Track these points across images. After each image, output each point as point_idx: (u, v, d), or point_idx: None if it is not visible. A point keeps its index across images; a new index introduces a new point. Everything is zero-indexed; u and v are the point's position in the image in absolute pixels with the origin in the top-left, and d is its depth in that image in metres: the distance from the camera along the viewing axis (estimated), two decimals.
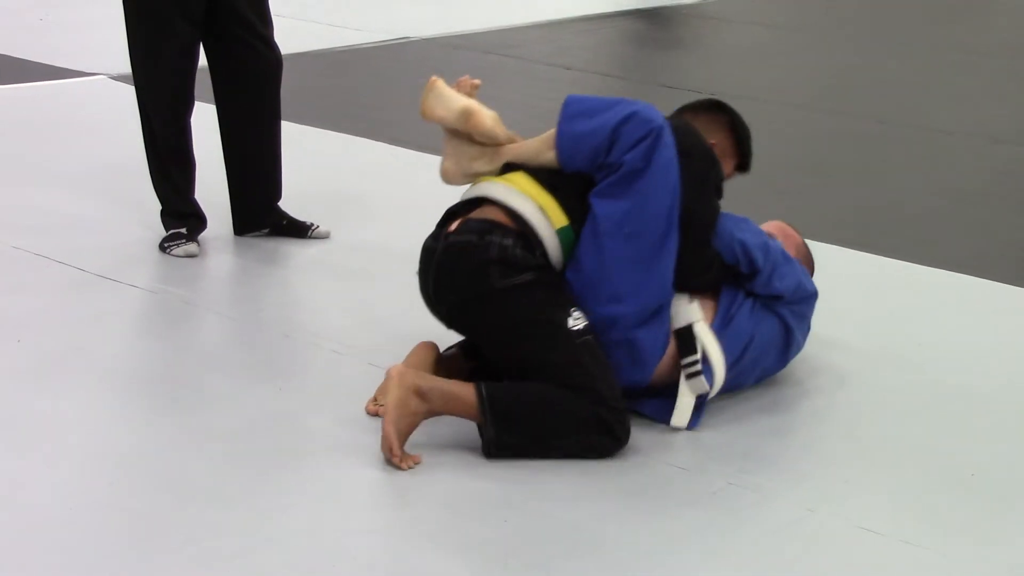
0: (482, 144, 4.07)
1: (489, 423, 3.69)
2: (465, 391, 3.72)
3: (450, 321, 3.96)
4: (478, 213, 3.93)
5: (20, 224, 5.45)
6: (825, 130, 7.58)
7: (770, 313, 4.07)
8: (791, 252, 4.29)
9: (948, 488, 3.67)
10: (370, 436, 3.81)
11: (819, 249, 5.14)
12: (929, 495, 3.63)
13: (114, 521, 3.39)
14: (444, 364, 4.01)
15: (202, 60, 5.19)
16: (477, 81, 4.16)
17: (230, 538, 3.31)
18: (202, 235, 5.28)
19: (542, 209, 3.89)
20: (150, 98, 5.16)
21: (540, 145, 4.00)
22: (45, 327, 4.52)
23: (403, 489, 3.63)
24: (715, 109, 4.28)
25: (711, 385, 3.92)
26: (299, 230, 5.39)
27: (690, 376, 3.90)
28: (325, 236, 5.39)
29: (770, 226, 4.40)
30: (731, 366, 3.97)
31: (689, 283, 3.99)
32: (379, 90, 8.18)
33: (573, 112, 3.97)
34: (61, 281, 4.90)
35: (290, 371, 4.28)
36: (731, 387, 4.03)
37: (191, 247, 5.16)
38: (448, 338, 4.07)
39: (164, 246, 5.19)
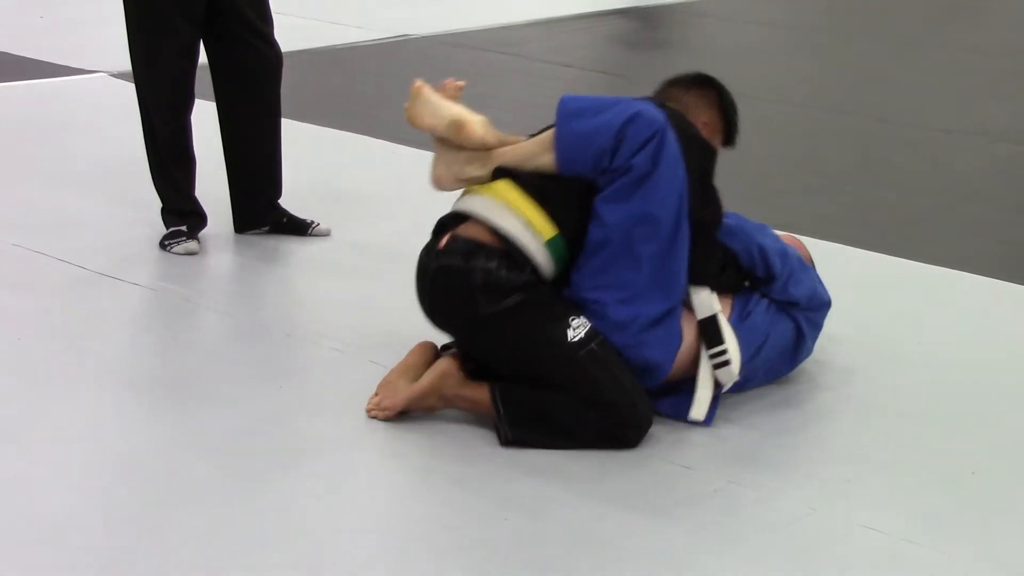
0: (473, 149, 4.03)
1: (506, 428, 3.76)
2: (483, 397, 3.80)
3: (445, 331, 3.98)
4: (464, 230, 3.88)
5: (20, 222, 5.45)
6: (825, 129, 7.58)
7: (786, 317, 4.08)
8: None
9: (949, 487, 3.67)
10: (371, 435, 3.81)
11: (819, 247, 5.14)
12: (930, 494, 3.63)
13: (114, 520, 3.39)
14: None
15: (202, 58, 5.19)
16: (461, 83, 4.07)
17: (230, 538, 3.31)
18: (202, 233, 5.28)
19: (528, 223, 3.82)
20: (150, 96, 5.15)
21: (536, 148, 3.92)
22: (45, 325, 4.52)
23: (403, 489, 3.64)
24: (704, 84, 4.23)
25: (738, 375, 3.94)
26: (299, 228, 5.39)
27: (718, 366, 3.90)
28: (325, 234, 5.39)
29: (784, 236, 4.40)
30: (746, 363, 3.97)
31: (704, 283, 3.99)
32: (379, 88, 8.18)
33: (570, 111, 3.88)
34: (61, 279, 4.90)
35: (290, 369, 4.28)
36: (738, 386, 4.03)
37: (191, 245, 5.16)
38: (446, 337, 4.07)
39: (164, 244, 5.19)
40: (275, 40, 5.25)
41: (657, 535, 3.39)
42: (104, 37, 7.91)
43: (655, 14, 11.13)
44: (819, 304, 4.16)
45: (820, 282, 4.22)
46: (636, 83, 8.25)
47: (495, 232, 3.82)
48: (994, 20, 11.28)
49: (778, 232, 4.42)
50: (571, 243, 3.85)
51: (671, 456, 3.75)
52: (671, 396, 3.93)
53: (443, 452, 3.74)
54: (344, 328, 4.49)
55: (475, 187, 3.97)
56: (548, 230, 3.83)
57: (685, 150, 3.85)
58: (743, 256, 4.04)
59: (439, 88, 4.07)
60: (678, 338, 3.89)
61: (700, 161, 3.94)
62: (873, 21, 11.02)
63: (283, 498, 3.50)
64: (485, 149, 3.98)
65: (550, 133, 3.89)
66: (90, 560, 3.21)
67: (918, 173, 6.71)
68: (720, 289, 4.03)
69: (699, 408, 3.89)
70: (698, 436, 3.87)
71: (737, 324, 3.98)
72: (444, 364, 3.86)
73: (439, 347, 4.07)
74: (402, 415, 3.87)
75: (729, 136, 4.22)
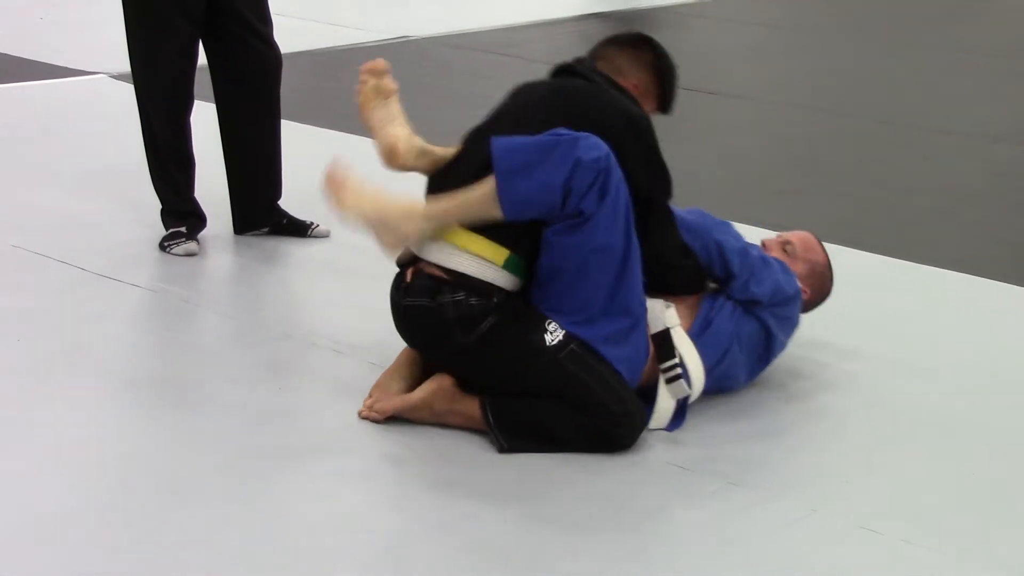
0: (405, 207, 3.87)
1: (500, 439, 3.76)
2: (474, 410, 3.80)
3: (428, 360, 3.97)
4: (425, 266, 3.87)
5: (20, 223, 5.45)
6: (824, 130, 7.58)
7: (752, 317, 4.05)
8: (802, 269, 4.24)
9: (948, 488, 3.67)
10: (369, 436, 3.81)
11: None
12: (929, 495, 3.63)
13: (113, 521, 3.39)
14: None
15: (202, 59, 5.19)
16: (379, 63, 4.08)
17: (229, 538, 3.31)
18: (202, 234, 5.28)
19: (477, 255, 3.79)
20: (150, 97, 5.16)
21: (480, 205, 3.75)
22: (45, 326, 4.52)
23: (401, 490, 3.64)
24: (640, 45, 4.15)
25: (691, 388, 3.92)
26: (299, 229, 5.39)
27: (670, 380, 3.89)
28: (325, 235, 5.38)
29: (794, 235, 4.34)
30: (710, 370, 3.96)
31: (671, 279, 3.97)
32: None
33: (508, 168, 3.72)
34: (61, 280, 4.90)
35: (290, 370, 4.28)
36: (719, 389, 4.03)
37: (191, 246, 5.16)
38: None
39: (164, 245, 5.19)
40: (275, 41, 5.25)
41: (655, 536, 3.40)
42: (104, 38, 7.90)
43: (655, 15, 11.13)
44: (783, 299, 4.10)
45: (785, 274, 4.13)
46: None
47: (451, 272, 3.80)
48: (994, 21, 11.28)
49: (801, 232, 4.39)
50: (528, 256, 3.82)
51: (668, 457, 3.75)
52: (647, 404, 3.93)
53: (441, 453, 3.74)
54: (343, 329, 4.49)
55: None
56: (499, 255, 3.79)
57: (622, 143, 3.79)
58: (701, 254, 4.01)
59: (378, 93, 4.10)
60: (645, 351, 3.88)
61: (639, 142, 3.89)
62: (872, 22, 11.02)
63: (282, 499, 3.50)
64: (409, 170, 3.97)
65: (492, 189, 3.73)
66: (89, 560, 3.21)
67: (917, 174, 6.71)
68: (686, 287, 4.01)
69: (659, 418, 3.89)
70: (695, 437, 3.87)
71: (698, 334, 3.97)
72: (439, 379, 3.85)
73: None
74: (397, 417, 3.88)
75: (664, 102, 4.15)
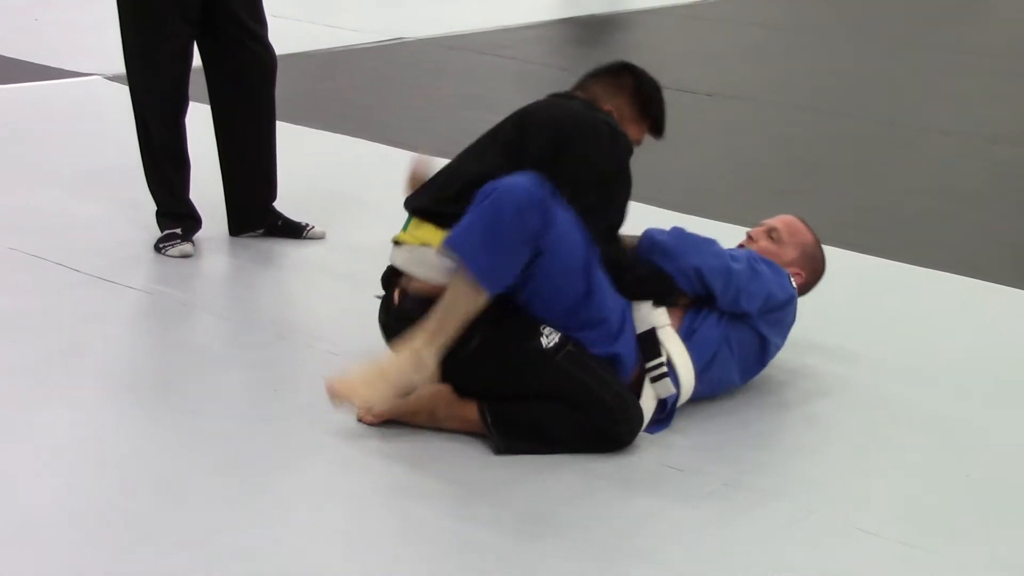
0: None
1: (499, 441, 3.75)
2: (471, 413, 3.79)
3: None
4: (408, 283, 3.88)
5: (15, 225, 5.44)
6: (823, 131, 7.58)
7: (743, 324, 4.03)
8: (792, 254, 4.24)
9: (945, 489, 3.66)
10: (366, 438, 3.80)
11: None
12: (926, 496, 3.62)
13: (110, 522, 3.38)
14: None
15: (197, 60, 5.18)
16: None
17: (225, 539, 3.30)
18: (197, 236, 5.27)
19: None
20: (145, 98, 5.15)
21: (466, 300, 3.68)
22: (41, 328, 4.52)
23: (399, 491, 3.62)
24: (618, 72, 4.14)
25: (678, 389, 3.90)
26: (294, 231, 5.38)
27: (655, 379, 3.88)
28: (320, 237, 5.38)
29: (778, 221, 4.33)
30: (699, 374, 3.95)
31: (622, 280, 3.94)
32: (374, 91, 8.17)
33: (468, 247, 3.65)
34: (57, 282, 4.90)
35: (285, 372, 4.27)
36: (712, 393, 4.03)
37: (186, 247, 5.16)
38: None
39: (159, 247, 5.18)
40: (269, 42, 5.25)
41: (653, 537, 3.39)
42: (99, 40, 7.91)
43: (654, 16, 11.13)
44: (776, 306, 4.07)
45: (776, 277, 4.09)
46: None
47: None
48: (992, 22, 11.29)
49: (785, 216, 4.35)
50: None
51: (666, 459, 3.75)
52: None
53: (438, 455, 3.73)
54: (338, 330, 4.49)
55: (399, 236, 3.97)
56: None
57: (564, 142, 3.80)
58: (679, 278, 3.97)
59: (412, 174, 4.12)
60: (632, 351, 3.87)
61: (585, 144, 3.87)
62: (872, 22, 11.03)
63: (279, 500, 3.50)
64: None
65: (466, 282, 3.66)
66: (86, 561, 3.20)
67: (916, 175, 6.71)
68: (642, 290, 3.97)
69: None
70: (693, 439, 3.86)
71: (684, 340, 3.96)
72: (438, 386, 3.82)
73: None
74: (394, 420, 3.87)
75: (653, 125, 4.14)
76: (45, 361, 4.26)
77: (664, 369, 3.88)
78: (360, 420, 3.88)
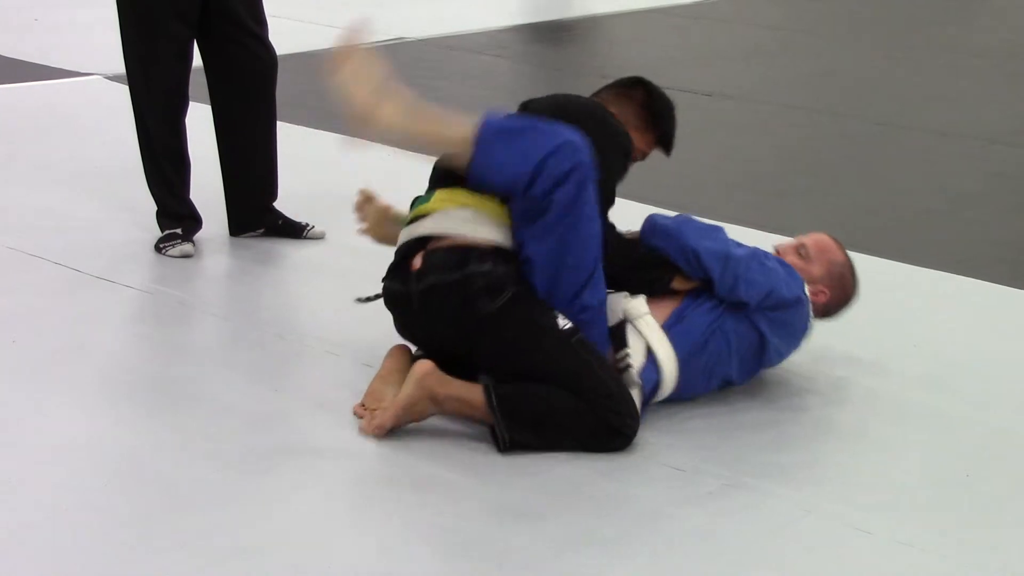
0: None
1: (502, 427, 3.72)
2: (475, 396, 3.75)
3: (443, 350, 3.90)
4: (444, 242, 3.88)
5: (15, 224, 5.44)
6: (822, 131, 7.58)
7: (742, 317, 4.02)
8: (819, 271, 4.19)
9: (944, 489, 3.67)
10: (366, 438, 3.80)
11: None
12: (925, 496, 3.63)
13: (109, 522, 3.39)
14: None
15: (197, 60, 5.18)
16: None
17: (225, 539, 3.31)
18: (197, 236, 5.27)
19: (498, 220, 3.86)
20: (145, 98, 5.15)
21: (453, 144, 3.83)
22: (40, 327, 4.52)
23: (399, 492, 3.63)
24: (633, 85, 4.23)
25: (658, 380, 3.91)
26: (294, 231, 5.39)
27: (620, 370, 3.89)
28: (320, 237, 5.38)
29: (808, 238, 4.29)
30: (687, 359, 3.94)
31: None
32: None
33: (496, 127, 3.80)
34: (56, 281, 4.90)
35: (285, 372, 4.28)
36: (706, 387, 4.03)
37: (186, 247, 5.16)
38: None
39: (159, 247, 5.18)
40: (270, 42, 5.25)
41: (651, 538, 3.39)
42: (99, 40, 7.90)
43: (653, 16, 11.13)
44: (777, 303, 4.02)
45: (789, 278, 4.06)
46: None
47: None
48: (991, 23, 11.29)
49: (818, 233, 4.32)
50: None
51: (665, 459, 3.75)
52: None
53: (438, 455, 3.73)
54: (338, 330, 4.49)
55: (424, 208, 3.98)
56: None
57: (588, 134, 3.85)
58: (677, 257, 3.99)
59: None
60: (605, 344, 3.90)
61: (602, 135, 3.95)
62: (871, 23, 11.03)
63: (278, 500, 3.50)
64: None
65: (467, 136, 3.80)
66: (85, 562, 3.20)
67: (914, 176, 6.71)
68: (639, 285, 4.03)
69: None
70: (691, 439, 3.86)
71: (670, 327, 3.96)
72: (420, 366, 3.78)
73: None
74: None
75: (662, 139, 4.22)
76: (45, 361, 4.26)
77: (628, 361, 3.88)
78: (365, 433, 3.84)
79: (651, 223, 4.08)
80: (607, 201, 3.98)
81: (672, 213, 4.17)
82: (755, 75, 8.93)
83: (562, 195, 3.73)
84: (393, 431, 3.79)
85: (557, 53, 10.06)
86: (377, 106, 3.89)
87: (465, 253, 3.81)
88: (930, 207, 6.20)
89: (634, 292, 4.01)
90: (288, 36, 7.50)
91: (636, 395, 3.83)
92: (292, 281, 5.16)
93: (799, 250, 4.25)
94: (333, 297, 4.81)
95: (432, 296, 3.84)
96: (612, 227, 4.03)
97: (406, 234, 4.00)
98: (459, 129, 3.83)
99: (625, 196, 4.25)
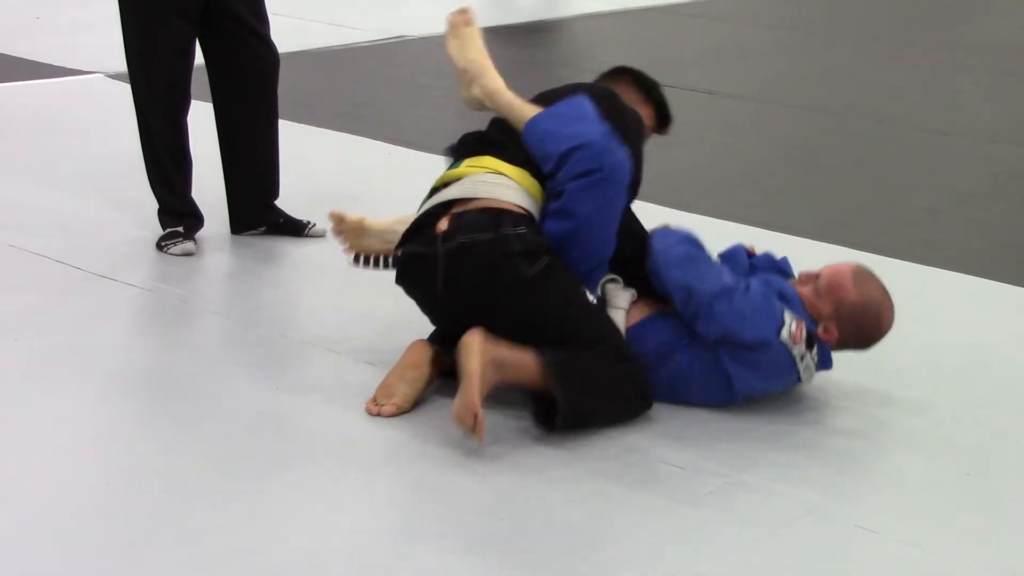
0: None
1: (558, 388, 3.71)
2: (530, 359, 3.75)
3: (461, 318, 3.83)
4: (473, 204, 3.90)
5: (17, 222, 5.45)
6: (822, 131, 7.57)
7: (709, 350, 3.96)
8: (827, 308, 4.04)
9: (945, 488, 3.67)
10: (366, 435, 3.81)
11: (816, 249, 5.15)
12: (926, 495, 3.63)
13: (111, 520, 3.39)
14: (435, 361, 4.00)
15: (199, 58, 5.18)
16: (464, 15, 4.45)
17: (227, 538, 3.31)
18: (199, 234, 5.28)
19: (527, 191, 3.94)
20: (146, 94, 5.15)
21: (519, 119, 4.06)
22: (42, 326, 4.52)
23: (400, 490, 3.63)
24: (618, 72, 4.39)
25: None
26: (296, 229, 5.39)
27: None
28: (322, 235, 5.37)
29: (826, 269, 4.12)
30: (643, 354, 3.97)
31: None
32: (376, 89, 8.17)
33: (555, 112, 4.02)
34: (58, 280, 4.90)
35: (287, 370, 4.28)
36: (670, 394, 4.00)
37: (188, 246, 5.16)
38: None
39: (161, 245, 5.19)
40: (272, 40, 5.25)
41: (653, 536, 3.39)
42: (100, 38, 7.91)
43: (652, 15, 11.13)
44: (739, 343, 3.91)
45: (766, 317, 3.91)
46: None
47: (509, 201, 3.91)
48: (990, 22, 11.28)
49: (843, 264, 4.24)
50: None
51: (667, 457, 3.75)
52: None
53: (438, 454, 3.74)
54: (339, 328, 4.49)
55: (453, 173, 4.04)
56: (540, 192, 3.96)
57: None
58: (652, 278, 4.04)
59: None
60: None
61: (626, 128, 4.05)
62: (871, 22, 11.02)
63: (280, 499, 3.50)
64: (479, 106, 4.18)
65: (529, 112, 4.05)
66: (85, 561, 3.21)
67: (914, 174, 6.71)
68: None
69: None
70: (692, 438, 3.87)
71: (633, 328, 3.99)
72: (471, 336, 3.69)
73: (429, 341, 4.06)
74: (398, 415, 3.87)
75: (658, 116, 4.34)
76: (45, 359, 4.27)
77: None
78: (371, 411, 3.88)
79: (653, 235, 4.09)
80: (635, 184, 4.06)
81: (674, 213, 4.18)
82: (756, 74, 8.92)
83: (573, 189, 3.84)
84: (396, 427, 3.80)
85: (557, 51, 10.06)
86: (470, 83, 4.19)
87: (497, 214, 3.85)
88: (931, 206, 6.20)
89: (628, 285, 4.05)
90: (290, 34, 7.51)
91: None
92: (293, 279, 5.16)
93: (816, 282, 4.10)
94: (334, 295, 4.82)
95: (460, 256, 3.83)
96: (633, 216, 4.13)
97: (433, 200, 4.01)
98: (529, 109, 4.06)
99: None
